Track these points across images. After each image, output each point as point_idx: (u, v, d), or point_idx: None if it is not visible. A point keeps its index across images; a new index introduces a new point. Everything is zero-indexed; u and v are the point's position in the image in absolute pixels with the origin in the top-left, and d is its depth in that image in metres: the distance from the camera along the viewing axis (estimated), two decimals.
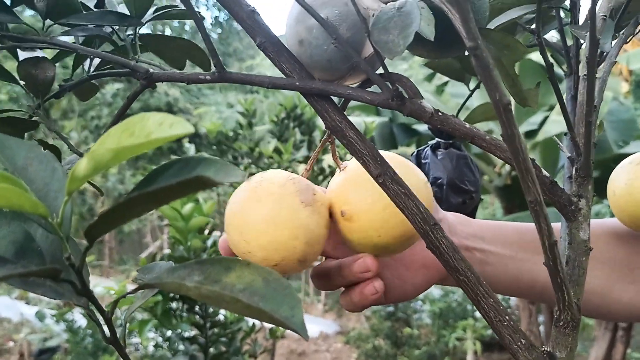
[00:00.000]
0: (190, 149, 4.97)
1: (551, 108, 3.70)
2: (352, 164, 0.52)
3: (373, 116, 4.02)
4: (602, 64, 0.49)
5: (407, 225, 0.47)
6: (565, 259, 0.42)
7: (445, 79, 3.64)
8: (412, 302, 4.80)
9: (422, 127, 3.76)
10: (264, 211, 0.46)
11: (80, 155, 0.46)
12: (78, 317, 3.65)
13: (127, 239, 7.72)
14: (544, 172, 0.41)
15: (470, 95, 0.76)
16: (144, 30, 0.52)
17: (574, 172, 0.42)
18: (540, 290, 0.60)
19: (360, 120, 3.66)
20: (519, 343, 0.40)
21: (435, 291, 5.19)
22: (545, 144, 3.58)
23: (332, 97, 0.42)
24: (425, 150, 0.81)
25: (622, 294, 0.59)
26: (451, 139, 0.80)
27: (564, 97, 0.61)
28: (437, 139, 0.82)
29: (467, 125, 0.40)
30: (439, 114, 0.40)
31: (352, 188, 0.49)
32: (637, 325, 3.60)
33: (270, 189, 0.48)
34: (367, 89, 0.42)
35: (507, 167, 3.70)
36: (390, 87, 0.40)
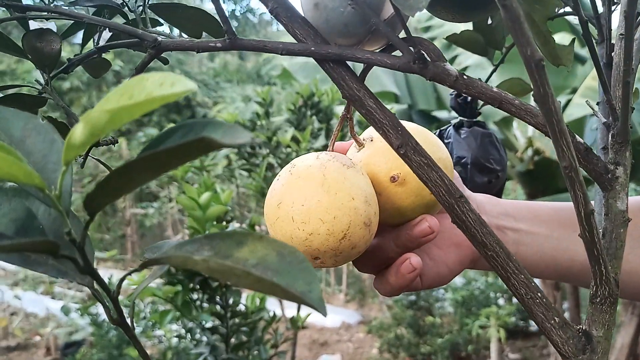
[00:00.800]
0: None
1: (574, 91, 3.62)
2: (377, 134, 0.50)
3: (392, 103, 3.98)
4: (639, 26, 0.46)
5: (450, 178, 0.46)
6: (601, 231, 0.39)
7: (464, 64, 3.59)
8: (433, 291, 4.76)
9: (442, 114, 3.70)
10: (308, 185, 0.43)
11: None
12: (102, 311, 3.68)
13: (149, 232, 7.77)
14: (578, 137, 0.38)
15: (494, 70, 0.73)
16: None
17: (610, 139, 0.39)
18: (578, 271, 0.57)
19: None
20: (552, 321, 0.38)
21: (457, 279, 5.14)
22: (569, 127, 3.51)
23: (350, 64, 0.40)
24: (448, 129, 0.78)
25: None
26: (475, 117, 0.78)
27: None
28: (460, 117, 0.79)
29: (495, 88, 0.37)
30: (464, 77, 0.37)
31: (393, 153, 0.47)
32: None
33: (307, 163, 0.45)
34: (388, 54, 0.39)
35: (530, 152, 3.63)
36: (412, 50, 0.37)
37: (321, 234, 0.43)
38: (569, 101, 3.64)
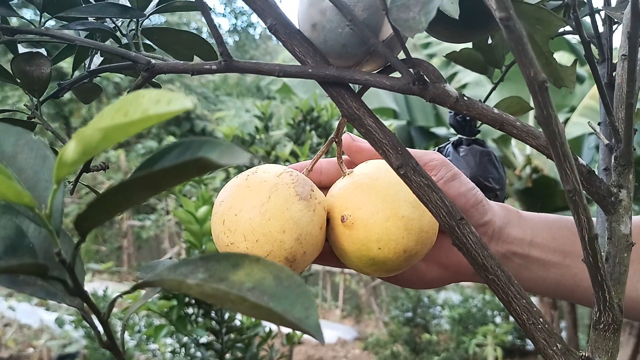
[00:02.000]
0: None
1: (572, 109, 3.63)
2: (360, 169, 0.49)
3: (391, 120, 3.98)
4: None
5: (410, 241, 0.44)
6: (604, 255, 0.39)
7: (463, 82, 3.60)
8: (430, 307, 4.74)
9: (441, 131, 3.71)
10: (252, 198, 0.43)
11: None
12: (97, 324, 3.65)
13: (145, 245, 7.73)
14: (580, 160, 0.38)
15: (494, 88, 0.73)
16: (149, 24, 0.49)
17: (613, 161, 0.38)
18: (581, 295, 0.55)
19: None
20: (555, 348, 0.37)
21: (454, 297, 5.12)
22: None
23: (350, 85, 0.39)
24: (447, 147, 0.78)
25: None
26: (474, 134, 0.77)
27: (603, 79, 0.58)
28: (459, 135, 0.79)
29: (496, 110, 0.37)
30: (465, 98, 0.37)
31: (357, 192, 0.46)
32: None
33: (264, 177, 0.45)
34: (387, 75, 0.39)
35: (528, 169, 3.63)
36: (412, 71, 0.37)
37: (240, 249, 0.43)
38: (567, 120, 3.65)
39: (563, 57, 3.33)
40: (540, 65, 0.39)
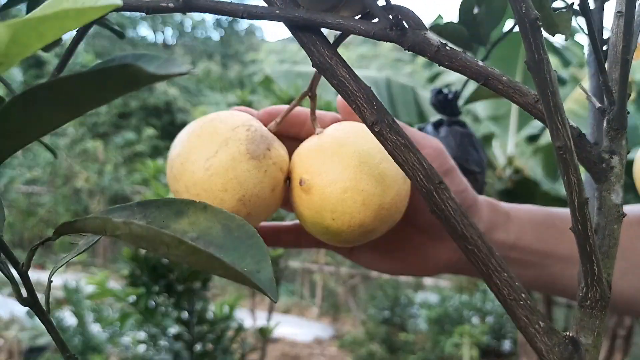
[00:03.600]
0: None
1: None
2: (331, 130, 0.45)
3: None
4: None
5: (367, 217, 0.42)
6: (593, 227, 0.36)
7: (448, 80, 3.59)
8: (407, 307, 4.73)
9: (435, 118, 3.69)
10: (199, 149, 0.41)
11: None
12: (67, 315, 3.58)
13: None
14: (570, 121, 0.34)
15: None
16: None
17: (605, 125, 0.35)
18: (560, 291, 0.55)
19: None
20: (537, 326, 0.34)
21: (432, 297, 5.11)
22: (549, 149, 3.51)
23: (322, 31, 0.36)
24: (426, 127, 0.75)
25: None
26: (455, 115, 0.74)
27: (587, 57, 0.55)
28: (440, 116, 0.76)
29: (480, 62, 0.33)
30: (447, 48, 0.33)
31: (320, 157, 0.43)
32: (636, 333, 3.52)
33: (218, 128, 0.41)
34: (362, 19, 0.35)
35: (509, 170, 3.63)
36: (390, 16, 0.33)
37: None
38: None
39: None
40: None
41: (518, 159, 3.58)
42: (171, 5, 0.34)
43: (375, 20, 0.33)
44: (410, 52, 0.34)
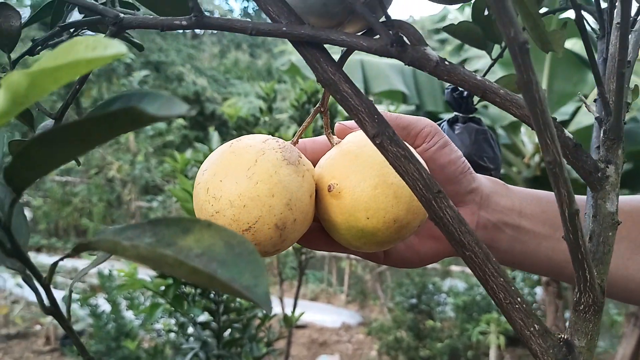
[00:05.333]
0: (214, 136, 4.96)
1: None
2: (349, 137, 0.47)
3: (400, 103, 3.94)
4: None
5: (400, 210, 0.42)
6: (589, 234, 0.37)
7: (474, 68, 3.55)
8: (435, 295, 4.73)
9: (450, 116, 3.67)
10: (238, 162, 0.41)
11: (53, 118, 0.42)
12: (102, 302, 3.68)
13: None
14: (567, 132, 0.36)
15: (493, 64, 0.71)
16: None
17: (602, 135, 0.36)
18: (571, 274, 0.55)
19: (383, 107, 3.59)
20: (532, 328, 0.35)
21: (459, 284, 5.10)
22: (579, 134, 3.46)
23: (326, 47, 0.37)
24: (442, 124, 0.76)
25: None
26: (470, 112, 0.75)
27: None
28: (455, 112, 0.76)
29: (478, 77, 0.35)
30: (446, 63, 0.34)
31: (344, 161, 0.44)
32: None
33: (250, 142, 0.42)
34: (365, 36, 0.37)
35: (537, 158, 3.59)
36: (390, 32, 0.35)
37: (226, 217, 0.40)
38: (578, 108, 3.60)
39: (576, 45, 3.26)
40: (527, 28, 0.37)
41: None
42: (184, 23, 0.36)
43: (377, 36, 0.35)
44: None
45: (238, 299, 1.74)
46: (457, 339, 4.19)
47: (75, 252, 0.24)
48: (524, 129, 4.10)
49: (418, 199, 0.37)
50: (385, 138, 0.36)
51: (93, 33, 0.45)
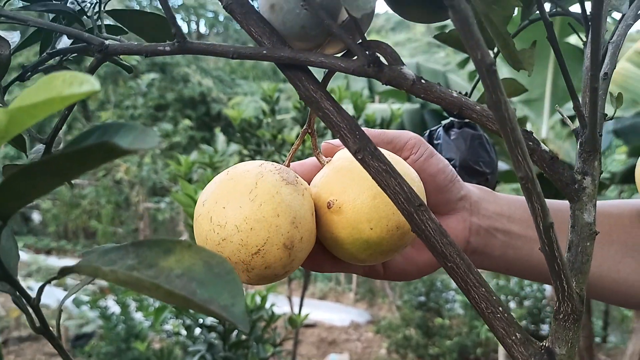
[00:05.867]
0: (220, 137, 4.98)
1: None
2: (337, 155, 0.48)
3: (404, 103, 3.95)
4: (619, 27, 0.44)
5: (401, 216, 0.42)
6: (567, 244, 0.38)
7: None
8: (443, 292, 4.73)
9: (446, 121, 3.66)
10: (238, 187, 0.41)
11: (44, 143, 0.43)
12: (111, 304, 3.71)
13: (161, 227, 7.81)
14: (543, 146, 0.36)
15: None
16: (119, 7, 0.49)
17: (578, 147, 0.37)
18: None
19: (386, 106, 3.59)
20: (514, 337, 0.36)
21: None
22: None
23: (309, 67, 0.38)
24: (438, 130, 0.76)
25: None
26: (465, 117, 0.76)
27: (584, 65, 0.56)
28: (450, 118, 0.77)
29: (454, 94, 0.35)
30: (422, 81, 0.35)
31: (339, 177, 0.44)
32: None
33: (246, 168, 0.43)
34: (343, 57, 0.38)
35: None
36: (367, 53, 0.36)
37: (234, 242, 0.40)
38: None
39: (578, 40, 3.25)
40: (499, 47, 0.38)
41: (552, 142, 3.53)
42: (167, 48, 0.37)
43: (355, 57, 0.36)
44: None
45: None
46: (466, 337, 4.19)
47: (61, 275, 0.25)
48: (529, 125, 4.09)
49: (400, 212, 0.37)
50: (367, 153, 0.37)
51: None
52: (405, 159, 0.49)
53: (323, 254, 0.49)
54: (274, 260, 0.40)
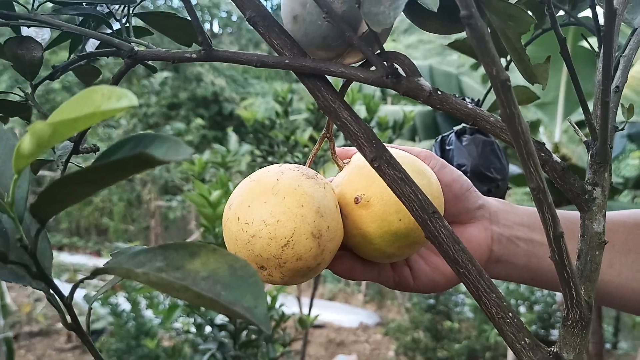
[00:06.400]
0: (232, 137, 5.01)
1: None
2: (356, 157, 0.50)
3: (416, 105, 3.95)
4: (631, 41, 0.45)
5: None
6: (577, 252, 0.39)
7: None
8: (453, 295, 4.72)
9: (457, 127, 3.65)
10: (260, 186, 0.43)
11: (72, 141, 0.45)
12: (122, 301, 3.74)
13: (172, 225, 7.86)
14: (555, 157, 0.37)
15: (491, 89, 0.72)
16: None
17: (589, 158, 0.38)
18: (602, 290, 0.56)
19: (398, 108, 3.60)
20: (523, 342, 0.37)
21: None
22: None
23: (328, 77, 0.40)
24: (450, 136, 0.78)
25: None
26: None
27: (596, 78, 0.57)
28: (462, 124, 0.78)
29: (470, 105, 0.37)
30: (438, 92, 0.37)
31: (363, 173, 0.46)
32: None
33: (267, 169, 0.45)
34: (362, 67, 0.39)
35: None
36: (385, 64, 0.37)
37: (263, 237, 0.41)
38: None
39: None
40: (514, 61, 0.39)
41: (565, 146, 3.52)
42: (194, 56, 0.39)
43: (373, 68, 0.37)
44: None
45: None
46: (475, 340, 4.19)
47: (94, 276, 0.27)
48: (542, 128, 4.08)
49: (414, 219, 0.39)
50: (383, 162, 0.38)
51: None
52: None
53: (353, 259, 0.50)
54: (304, 250, 0.42)
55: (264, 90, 11.05)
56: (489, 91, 0.73)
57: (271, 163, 2.40)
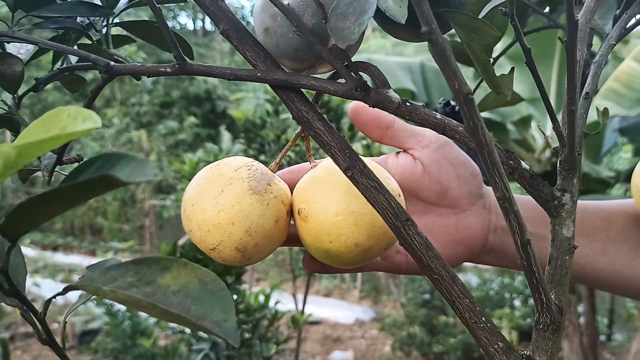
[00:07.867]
0: (225, 135, 5.01)
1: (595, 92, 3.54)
2: (323, 162, 0.50)
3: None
4: (601, 47, 0.46)
5: (360, 236, 0.45)
6: (548, 257, 0.39)
7: None
8: None
9: None
10: (207, 190, 0.46)
11: (55, 153, 0.45)
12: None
13: (167, 224, 7.85)
14: (524, 164, 0.38)
15: (481, 81, 0.73)
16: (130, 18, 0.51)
17: (558, 165, 0.39)
18: (593, 276, 0.58)
19: None
20: (496, 346, 0.38)
21: (473, 279, 5.11)
22: (589, 129, 3.44)
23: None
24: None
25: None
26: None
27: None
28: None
29: (438, 115, 0.37)
30: (407, 104, 0.37)
31: (313, 186, 0.47)
32: None
33: (223, 170, 0.47)
34: (333, 79, 0.39)
35: (547, 153, 3.59)
36: (354, 77, 0.37)
37: (196, 237, 0.46)
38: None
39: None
40: (479, 72, 0.39)
41: (556, 141, 3.53)
42: (169, 70, 0.39)
43: (343, 81, 0.38)
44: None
45: (246, 300, 1.77)
46: (469, 335, 4.20)
47: (65, 292, 0.27)
48: (534, 124, 4.09)
49: (388, 227, 0.39)
50: (356, 170, 0.39)
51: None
52: (426, 146, 0.53)
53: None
54: (228, 257, 0.46)
55: (255, 87, 11.03)
56: (476, 88, 0.74)
57: (263, 162, 2.40)
